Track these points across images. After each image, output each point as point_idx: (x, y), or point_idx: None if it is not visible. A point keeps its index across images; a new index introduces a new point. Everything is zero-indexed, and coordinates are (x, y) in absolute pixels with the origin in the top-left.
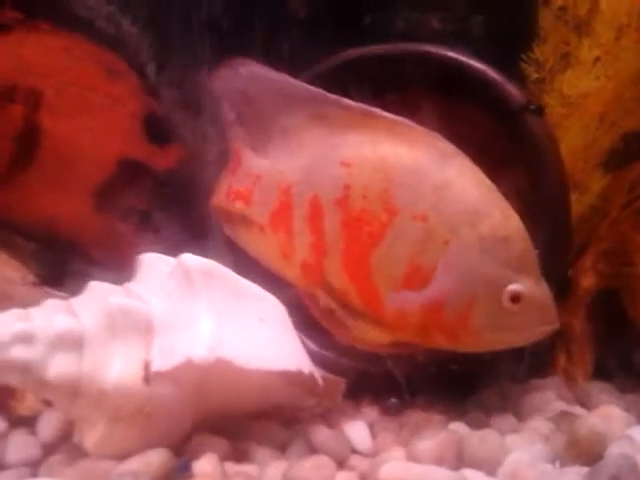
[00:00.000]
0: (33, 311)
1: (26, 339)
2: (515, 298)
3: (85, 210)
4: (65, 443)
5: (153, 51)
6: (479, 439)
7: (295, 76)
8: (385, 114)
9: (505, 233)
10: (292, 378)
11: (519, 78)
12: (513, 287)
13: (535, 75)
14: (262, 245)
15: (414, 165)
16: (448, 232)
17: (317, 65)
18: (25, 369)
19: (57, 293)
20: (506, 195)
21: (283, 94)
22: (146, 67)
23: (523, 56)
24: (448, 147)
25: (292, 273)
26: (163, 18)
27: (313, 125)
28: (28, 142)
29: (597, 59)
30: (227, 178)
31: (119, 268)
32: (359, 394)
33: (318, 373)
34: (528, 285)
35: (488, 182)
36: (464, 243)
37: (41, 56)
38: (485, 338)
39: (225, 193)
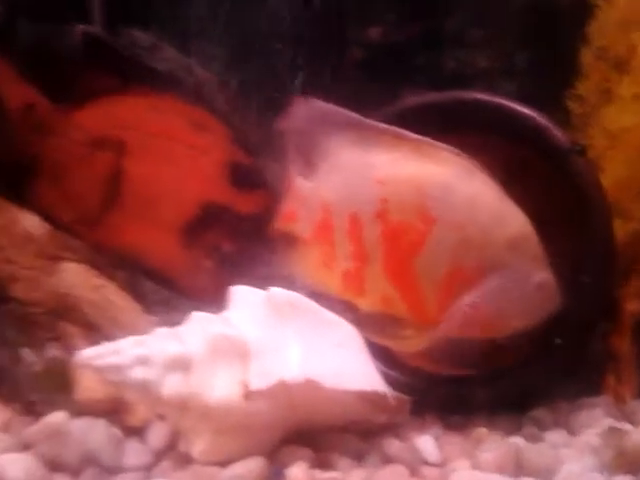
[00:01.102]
0: (147, 338)
1: (144, 362)
2: (539, 286)
3: (172, 246)
4: (171, 451)
5: (239, 102)
6: (536, 451)
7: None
8: (413, 135)
9: (526, 233)
10: (367, 396)
11: (563, 112)
12: (538, 277)
13: (579, 110)
14: (306, 260)
15: (445, 180)
16: (482, 237)
17: (380, 111)
18: (143, 387)
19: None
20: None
21: (330, 122)
22: (233, 119)
23: (567, 92)
24: (470, 163)
25: (334, 283)
26: (249, 70)
27: (350, 148)
28: (114, 185)
29: (636, 96)
30: (283, 204)
31: (206, 299)
32: (423, 411)
33: (389, 392)
34: (546, 274)
35: (503, 193)
36: (496, 244)
37: (129, 113)
38: (512, 323)
39: (280, 216)
